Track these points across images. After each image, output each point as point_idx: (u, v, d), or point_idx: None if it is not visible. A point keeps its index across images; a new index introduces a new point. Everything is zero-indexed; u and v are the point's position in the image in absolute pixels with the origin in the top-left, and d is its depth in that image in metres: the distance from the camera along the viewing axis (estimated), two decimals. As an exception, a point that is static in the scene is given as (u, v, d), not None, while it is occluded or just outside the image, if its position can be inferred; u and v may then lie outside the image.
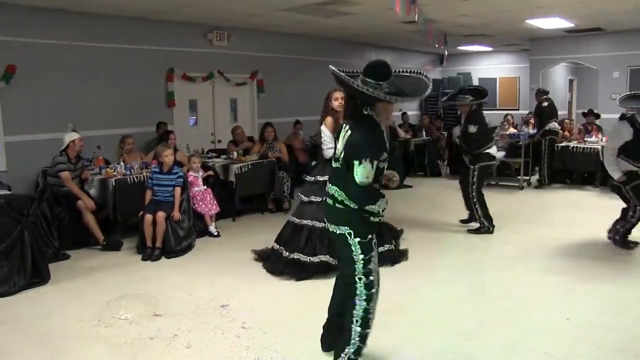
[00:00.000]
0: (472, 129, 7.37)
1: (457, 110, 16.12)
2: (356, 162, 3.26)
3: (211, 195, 7.53)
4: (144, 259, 6.41)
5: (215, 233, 7.39)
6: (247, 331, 4.37)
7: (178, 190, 6.77)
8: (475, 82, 17.50)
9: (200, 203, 7.35)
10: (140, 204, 6.80)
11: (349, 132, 3.39)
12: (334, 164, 3.59)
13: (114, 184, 7.06)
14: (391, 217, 6.65)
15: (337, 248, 3.68)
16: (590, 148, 10.63)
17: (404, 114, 14.13)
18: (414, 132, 13.11)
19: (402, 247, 6.49)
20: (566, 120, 12.45)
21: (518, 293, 5.26)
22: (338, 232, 3.46)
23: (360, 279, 3.43)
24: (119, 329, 4.49)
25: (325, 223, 5.71)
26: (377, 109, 3.39)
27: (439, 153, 13.66)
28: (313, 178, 5.98)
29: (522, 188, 10.80)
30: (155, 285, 5.52)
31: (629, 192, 6.35)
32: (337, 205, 3.45)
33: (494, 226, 7.42)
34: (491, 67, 17.96)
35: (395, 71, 3.44)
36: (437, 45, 10.75)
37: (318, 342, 3.94)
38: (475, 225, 7.58)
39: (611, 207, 8.88)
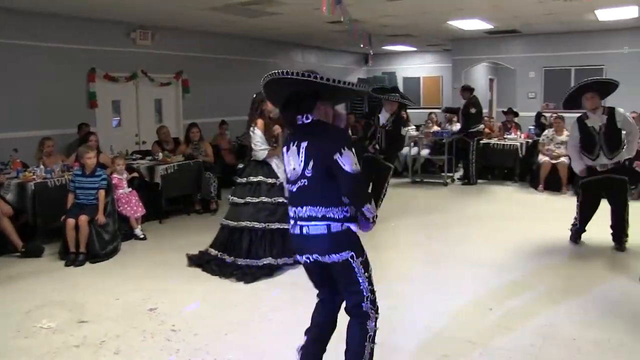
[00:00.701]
0: (404, 131, 7.77)
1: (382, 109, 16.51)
2: (337, 156, 2.92)
3: (136, 198, 7.38)
4: (67, 265, 6.21)
5: (142, 236, 7.26)
6: (177, 334, 4.33)
7: (102, 192, 6.60)
8: (400, 81, 17.90)
9: (125, 205, 7.20)
10: (62, 208, 6.57)
11: (303, 143, 3.07)
12: (293, 187, 3.15)
13: (33, 187, 6.81)
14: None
15: (335, 278, 3.20)
16: (510, 145, 11.08)
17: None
18: (340, 132, 13.20)
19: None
20: (486, 118, 12.89)
21: (446, 285, 5.46)
22: (340, 260, 3.04)
23: (367, 297, 3.14)
24: (41, 338, 4.32)
25: (262, 224, 5.82)
26: (317, 113, 3.14)
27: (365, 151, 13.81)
28: (245, 179, 5.96)
29: (446, 184, 11.12)
30: (80, 292, 5.36)
31: (579, 187, 6.63)
32: (334, 225, 3.03)
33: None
34: (415, 66, 18.38)
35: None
36: (362, 45, 10.93)
37: (250, 341, 3.96)
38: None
39: (529, 200, 9.39)
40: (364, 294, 3.12)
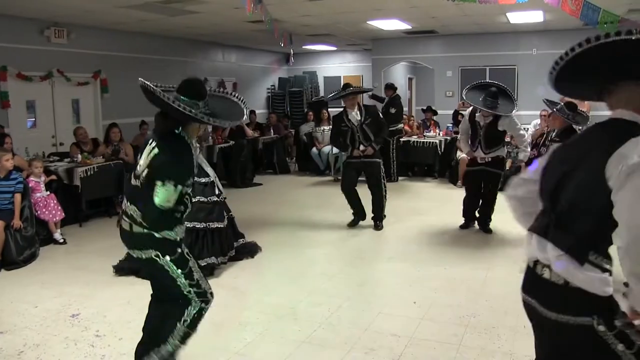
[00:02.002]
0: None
1: (303, 109, 16.66)
2: (159, 183, 3.02)
3: (55, 201, 7.14)
4: (-20, 273, 5.94)
5: (61, 240, 7.04)
6: (101, 339, 4.25)
7: (18, 196, 6.35)
8: (321, 81, 18.05)
9: (44, 209, 6.96)
10: (-25, 213, 6.28)
11: (156, 149, 3.12)
12: (133, 181, 3.27)
13: (-59, 192, 6.45)
14: (243, 216, 6.72)
15: (148, 274, 3.43)
16: (430, 142, 11.44)
17: (251, 112, 14.20)
18: (261, 131, 13.23)
19: (256, 243, 6.57)
20: (405, 117, 13.21)
21: (370, 281, 5.61)
22: (144, 257, 3.23)
23: (189, 292, 3.26)
24: (-48, 352, 4.14)
25: (202, 223, 5.79)
26: (189, 129, 3.21)
27: (287, 150, 13.90)
28: None
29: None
30: (-4, 300, 5.15)
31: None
32: (135, 227, 3.19)
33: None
34: (336, 66, 18.55)
35: (210, 90, 3.37)
36: (282, 45, 10.97)
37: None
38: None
39: (448, 195, 9.70)
40: (184, 292, 3.27)
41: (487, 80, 7.22)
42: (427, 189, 10.69)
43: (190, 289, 3.25)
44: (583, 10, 6.29)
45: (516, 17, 11.29)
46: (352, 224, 7.70)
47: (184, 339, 3.33)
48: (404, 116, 13.16)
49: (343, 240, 7.19)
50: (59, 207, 7.16)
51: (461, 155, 10.57)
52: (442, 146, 11.42)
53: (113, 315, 4.72)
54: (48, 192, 7.16)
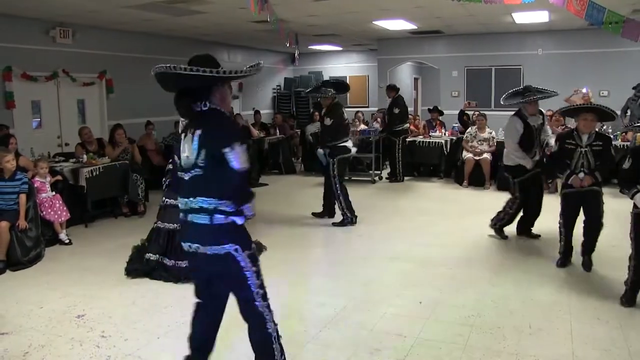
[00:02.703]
0: (328, 121, 7.63)
1: (309, 109, 16.64)
2: (227, 150, 2.85)
3: (60, 202, 7.13)
4: (-14, 274, 5.92)
5: (67, 241, 7.02)
6: (107, 340, 4.23)
7: (23, 197, 6.33)
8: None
9: (49, 210, 6.95)
10: (-20, 214, 6.27)
11: (197, 131, 2.98)
12: (186, 176, 3.05)
13: (-54, 193, 6.44)
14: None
15: (215, 276, 3.15)
16: (435, 142, 11.39)
17: (256, 112, 14.22)
18: (267, 131, 13.22)
19: (260, 242, 6.53)
20: (411, 117, 13.17)
21: (375, 281, 5.56)
22: (222, 252, 2.98)
23: (258, 293, 3.07)
24: (-43, 353, 4.12)
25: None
26: (215, 100, 3.06)
27: (293, 151, 13.89)
28: None
29: (374, 182, 11.30)
30: (1, 301, 5.12)
31: (515, 185, 6.76)
32: (216, 217, 2.96)
33: (356, 216, 7.76)
34: (341, 66, 18.54)
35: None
36: (288, 45, 10.94)
37: (183, 344, 3.89)
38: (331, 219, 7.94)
39: (454, 196, 9.68)
40: (253, 289, 3.06)
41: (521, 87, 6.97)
42: (433, 189, 10.65)
43: (259, 290, 3.08)
44: (588, 10, 6.25)
45: (521, 17, 11.29)
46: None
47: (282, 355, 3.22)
48: (410, 116, 13.13)
49: (348, 240, 7.17)
50: (65, 208, 7.15)
51: (467, 155, 10.56)
52: (448, 146, 11.39)
53: (118, 316, 4.70)
54: (53, 193, 7.15)
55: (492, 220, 7.05)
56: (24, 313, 4.81)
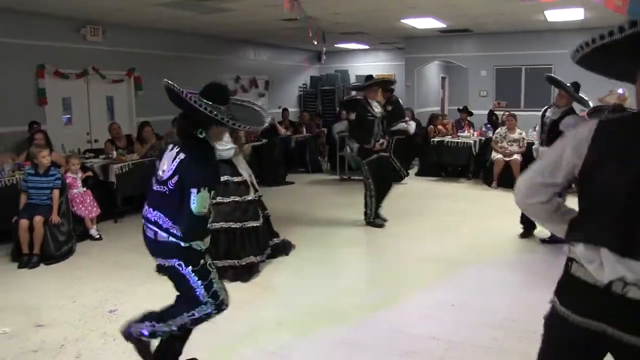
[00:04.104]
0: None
1: (335, 107, 16.59)
2: (194, 190, 2.97)
3: (91, 197, 7.21)
4: (20, 267, 6.02)
5: (97, 236, 7.10)
6: (139, 336, 4.24)
7: (56, 192, 6.42)
8: (353, 79, 17.96)
9: (80, 205, 7.02)
10: (13, 208, 6.35)
11: (182, 155, 3.09)
12: (155, 187, 3.23)
13: (-19, 188, 6.54)
14: (275, 214, 6.67)
15: (171, 280, 3.38)
16: (464, 142, 11.28)
17: (284, 110, 14.21)
18: (294, 129, 13.23)
19: (289, 241, 6.54)
20: (438, 116, 13.10)
21: (405, 282, 5.52)
22: (167, 264, 3.22)
23: (207, 302, 3.26)
24: (-4, 344, 4.16)
25: (238, 223, 5.71)
26: (211, 133, 3.18)
27: (320, 149, 13.88)
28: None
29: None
30: (36, 295, 5.21)
31: None
32: (159, 235, 3.17)
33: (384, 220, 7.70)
34: (368, 64, 18.43)
35: (232, 98, 3.35)
36: (316, 43, 10.92)
37: (216, 341, 3.92)
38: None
39: (483, 197, 9.58)
40: (200, 299, 3.25)
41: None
42: (462, 189, 10.55)
43: (208, 299, 3.26)
44: (630, 5, 6.07)
45: (554, 15, 11.05)
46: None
47: (180, 328, 3.36)
48: (440, 116, 13.04)
49: (377, 240, 7.13)
50: (95, 204, 7.23)
51: (497, 156, 10.44)
52: (477, 147, 11.26)
53: (150, 311, 4.72)
54: (84, 189, 7.23)
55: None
56: (58, 306, 4.88)
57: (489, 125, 12.05)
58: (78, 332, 4.32)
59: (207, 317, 3.33)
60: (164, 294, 5.06)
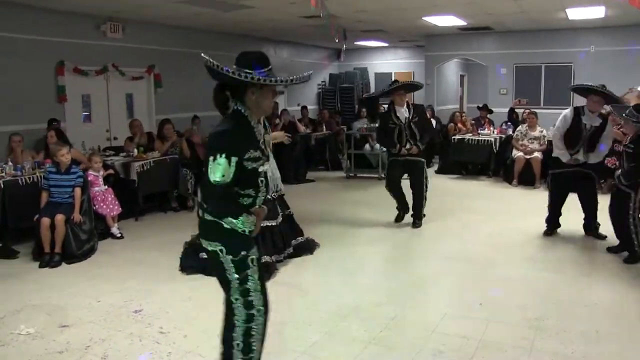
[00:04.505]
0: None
1: (354, 105, 16.52)
2: (210, 158, 2.83)
3: (112, 195, 7.17)
4: (42, 266, 5.95)
5: (118, 234, 7.05)
6: (166, 336, 4.18)
7: (78, 190, 6.38)
8: (372, 77, 17.89)
9: (101, 204, 6.99)
10: (34, 206, 6.32)
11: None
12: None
13: (2, 186, 6.47)
14: (297, 212, 6.59)
15: (211, 267, 3.24)
16: (484, 140, 11.15)
17: (303, 108, 14.13)
18: (314, 127, 13.15)
19: (314, 240, 6.46)
20: (457, 114, 13.03)
21: (431, 281, 5.45)
22: (210, 248, 3.01)
23: (237, 299, 3.05)
24: (20, 345, 4.09)
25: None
26: (249, 102, 3.00)
27: (339, 147, 13.78)
28: None
29: (380, 179, 10.84)
30: (59, 294, 5.15)
31: (549, 176, 6.76)
32: (205, 214, 2.98)
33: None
34: (387, 62, 18.36)
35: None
36: (337, 40, 10.84)
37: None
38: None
39: (504, 195, 9.46)
40: (230, 294, 3.06)
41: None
42: (483, 187, 10.45)
43: (239, 297, 3.05)
44: None
45: (576, 13, 10.98)
46: (398, 220, 7.66)
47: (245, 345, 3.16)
48: (457, 113, 12.99)
49: (398, 237, 7.04)
50: (117, 202, 7.19)
51: (517, 154, 10.33)
52: (497, 144, 11.15)
53: (175, 311, 4.67)
54: (106, 187, 7.19)
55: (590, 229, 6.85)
56: (82, 306, 4.82)
57: (509, 123, 11.97)
58: (104, 332, 4.26)
59: (248, 333, 3.13)
60: (189, 294, 5.06)
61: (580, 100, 6.90)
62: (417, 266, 5.92)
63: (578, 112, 6.52)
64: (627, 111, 5.72)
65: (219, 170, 2.79)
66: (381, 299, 4.91)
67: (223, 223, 2.93)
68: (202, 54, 2.93)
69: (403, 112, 7.25)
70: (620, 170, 5.76)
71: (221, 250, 2.96)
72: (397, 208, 7.68)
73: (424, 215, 7.56)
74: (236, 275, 3.00)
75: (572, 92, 13.04)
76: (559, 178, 6.70)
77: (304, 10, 8.12)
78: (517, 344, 4.02)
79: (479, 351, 3.90)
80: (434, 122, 12.84)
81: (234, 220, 2.91)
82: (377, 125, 7.71)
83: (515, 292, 5.07)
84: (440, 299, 4.97)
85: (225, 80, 2.96)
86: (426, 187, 7.46)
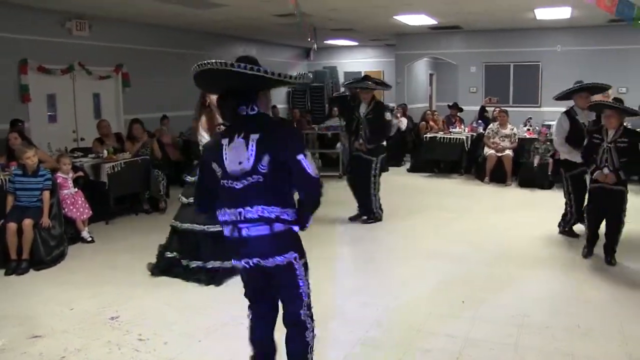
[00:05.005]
0: (389, 116, 7.59)
1: (324, 104, 16.46)
2: (301, 156, 2.72)
3: (82, 198, 6.92)
4: (8, 274, 5.68)
5: (89, 238, 6.82)
6: (145, 343, 4.02)
7: (47, 194, 6.12)
8: (341, 76, 17.84)
9: (71, 207, 6.74)
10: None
11: (254, 136, 2.77)
12: (236, 185, 2.80)
13: (-39, 190, 6.19)
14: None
15: (274, 285, 2.97)
16: (456, 138, 11.20)
17: (273, 107, 13.98)
18: (286, 126, 12.97)
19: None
20: (428, 112, 13.08)
21: (413, 280, 5.39)
22: (284, 262, 2.82)
23: (305, 303, 2.94)
24: (-12, 359, 3.90)
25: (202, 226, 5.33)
26: (261, 104, 2.91)
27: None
28: (194, 178, 5.57)
29: (341, 177, 10.96)
30: (29, 302, 4.92)
31: (568, 179, 6.61)
32: (276, 226, 2.78)
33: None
34: (356, 61, 18.35)
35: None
36: (309, 39, 10.73)
37: (226, 347, 3.73)
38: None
39: (479, 192, 9.50)
40: (304, 298, 2.95)
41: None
42: (455, 185, 10.52)
43: (308, 300, 2.97)
44: (619, 6, 6.18)
45: (543, 14, 11.15)
46: (355, 218, 7.66)
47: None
48: (429, 111, 13.07)
49: (378, 237, 6.98)
50: (87, 205, 6.95)
51: (489, 151, 10.40)
52: (469, 142, 11.21)
53: (154, 317, 4.50)
54: (75, 189, 6.94)
55: (560, 226, 6.87)
56: (55, 314, 4.61)
57: (480, 121, 12.04)
58: (80, 342, 4.06)
59: (313, 332, 3.04)
60: (166, 298, 4.90)
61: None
62: (399, 265, 5.85)
63: (571, 114, 6.55)
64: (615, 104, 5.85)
65: (313, 164, 2.77)
66: (364, 299, 4.84)
67: (294, 228, 2.86)
68: (201, 64, 2.68)
69: (364, 108, 7.44)
70: (605, 170, 5.59)
71: (295, 258, 2.86)
72: (358, 207, 7.72)
73: (382, 211, 7.61)
74: (306, 277, 2.95)
75: (541, 90, 13.40)
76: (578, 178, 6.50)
77: (277, 8, 7.98)
78: (502, 341, 4.02)
79: (465, 349, 3.89)
80: (405, 120, 12.86)
81: (312, 215, 2.91)
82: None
83: (496, 290, 5.07)
84: (424, 298, 4.92)
85: (239, 84, 2.80)
86: (374, 184, 7.47)
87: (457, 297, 4.87)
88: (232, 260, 2.96)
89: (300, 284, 2.91)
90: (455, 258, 6.00)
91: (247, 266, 2.85)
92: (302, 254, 2.92)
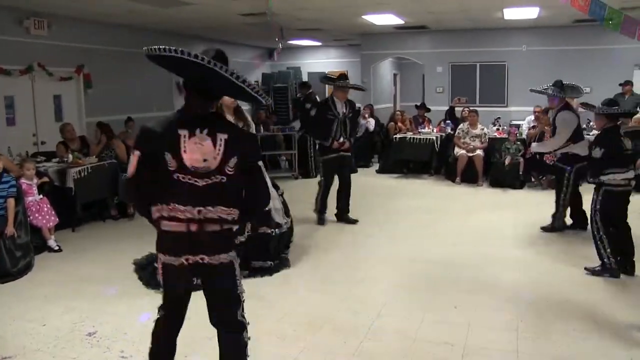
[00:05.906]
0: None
1: (288, 105, 16.27)
2: (261, 163, 2.87)
3: (48, 205, 6.58)
4: (-30, 288, 5.33)
5: (56, 247, 6.48)
6: (128, 361, 3.78)
7: (11, 201, 5.78)
8: (305, 76, 17.68)
9: (37, 214, 6.39)
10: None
11: (222, 135, 2.70)
12: (199, 182, 2.69)
13: None
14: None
15: (216, 286, 2.88)
16: (426, 139, 11.15)
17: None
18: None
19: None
20: (397, 113, 13.03)
21: (400, 285, 5.26)
22: (227, 260, 2.79)
23: (243, 306, 2.92)
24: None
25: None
26: (219, 104, 3.00)
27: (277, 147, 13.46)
28: None
29: (296, 178, 11.18)
30: (-4, 319, 4.59)
31: (572, 173, 6.67)
32: (225, 226, 2.76)
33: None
34: (320, 61, 18.22)
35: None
36: (277, 39, 10.54)
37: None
38: None
39: (451, 193, 9.47)
40: (241, 299, 2.91)
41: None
42: (427, 186, 10.46)
43: (243, 311, 2.93)
44: (591, 6, 6.29)
45: (511, 13, 11.23)
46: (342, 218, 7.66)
47: None
48: (397, 112, 13.03)
49: (357, 241, 6.83)
50: (53, 212, 6.61)
51: (460, 152, 10.39)
52: (439, 143, 11.18)
53: (134, 331, 4.24)
54: (41, 196, 6.59)
55: (545, 229, 6.95)
56: (25, 332, 4.30)
57: (448, 122, 12.03)
58: (56, 362, 3.80)
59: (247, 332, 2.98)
60: (145, 311, 4.62)
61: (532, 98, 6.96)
62: (383, 270, 5.71)
63: (573, 109, 6.74)
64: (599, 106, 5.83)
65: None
66: (354, 307, 4.69)
67: (233, 227, 2.82)
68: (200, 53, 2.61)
69: (341, 107, 7.36)
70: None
71: (235, 258, 2.83)
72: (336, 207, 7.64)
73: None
74: (240, 282, 2.89)
75: (507, 90, 13.52)
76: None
77: (244, 7, 7.76)
78: (502, 347, 3.94)
79: (466, 357, 3.80)
80: (372, 121, 12.78)
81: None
82: (311, 115, 7.82)
83: (486, 293, 4.99)
84: (415, 303, 4.80)
85: (220, 84, 2.70)
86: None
87: (449, 302, 4.78)
88: (166, 256, 2.79)
89: (238, 283, 2.88)
90: (439, 261, 5.90)
91: (187, 262, 2.74)
92: (238, 254, 2.91)
